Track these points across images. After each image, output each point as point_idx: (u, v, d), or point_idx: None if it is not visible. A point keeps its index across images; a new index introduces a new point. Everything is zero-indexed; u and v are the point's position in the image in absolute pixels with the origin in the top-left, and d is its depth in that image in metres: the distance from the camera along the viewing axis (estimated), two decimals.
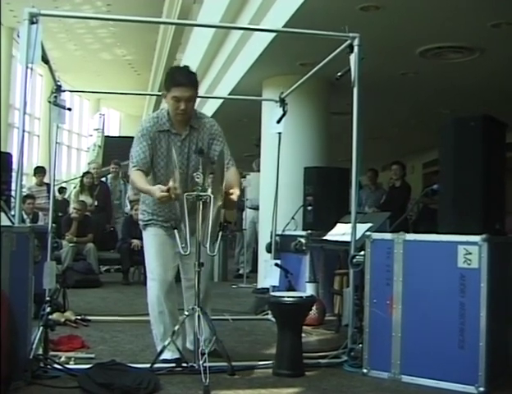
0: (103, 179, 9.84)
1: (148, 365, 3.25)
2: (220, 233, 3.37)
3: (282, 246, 5.64)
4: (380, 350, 3.39)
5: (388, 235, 3.47)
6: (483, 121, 3.36)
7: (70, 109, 4.86)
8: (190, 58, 12.05)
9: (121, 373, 3.08)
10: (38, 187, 9.58)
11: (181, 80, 3.50)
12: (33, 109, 23.10)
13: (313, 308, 4.58)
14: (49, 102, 4.55)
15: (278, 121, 5.21)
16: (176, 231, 3.29)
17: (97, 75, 26.45)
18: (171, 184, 3.20)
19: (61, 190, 12.37)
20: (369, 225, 4.14)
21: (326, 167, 6.78)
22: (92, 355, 3.68)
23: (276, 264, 5.10)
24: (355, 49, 3.80)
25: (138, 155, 3.50)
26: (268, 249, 5.58)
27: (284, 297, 3.48)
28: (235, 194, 3.32)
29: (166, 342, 3.31)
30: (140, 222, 3.72)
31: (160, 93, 4.00)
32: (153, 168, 3.59)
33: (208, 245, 3.25)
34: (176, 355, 3.35)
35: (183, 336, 3.63)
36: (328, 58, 4.31)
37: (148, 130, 3.54)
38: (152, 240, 3.62)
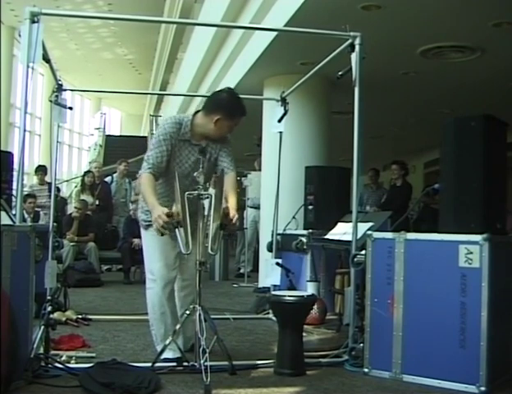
0: (109, 177, 9.86)
1: (150, 364, 3.26)
2: (221, 232, 3.37)
3: (283, 245, 5.64)
4: (381, 349, 3.39)
5: (389, 235, 3.47)
6: (484, 120, 3.36)
7: (71, 108, 4.86)
8: (191, 58, 12.07)
9: (122, 372, 3.08)
10: (40, 186, 9.58)
11: (245, 110, 3.56)
12: (34, 108, 23.13)
13: (314, 307, 4.59)
14: (50, 101, 4.55)
15: (279, 121, 5.21)
16: (176, 230, 3.29)
17: (98, 74, 26.48)
18: (174, 209, 3.24)
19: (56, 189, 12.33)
20: (370, 224, 4.14)
21: (327, 167, 6.79)
22: (93, 355, 3.68)
23: (277, 263, 5.10)
24: (356, 48, 3.80)
25: (156, 158, 3.47)
26: (269, 249, 5.58)
27: (285, 296, 3.48)
28: (234, 218, 3.33)
29: (168, 342, 3.31)
30: (142, 222, 3.70)
31: (161, 93, 4.01)
32: (167, 174, 3.55)
33: (209, 244, 3.26)
34: (178, 355, 3.36)
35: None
36: (329, 57, 4.31)
37: (171, 136, 3.51)
38: (155, 241, 3.57)
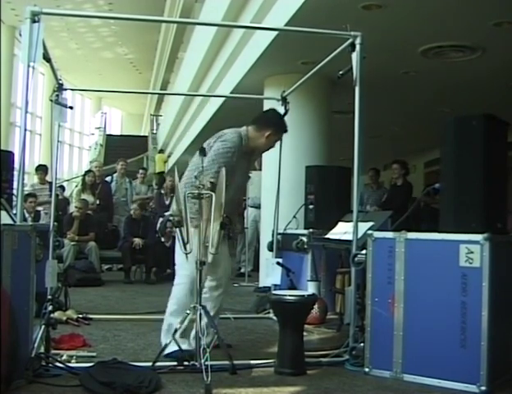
0: (109, 177, 9.88)
1: (150, 364, 3.26)
2: (222, 232, 3.37)
3: (284, 245, 5.64)
4: (382, 348, 3.39)
5: (390, 234, 3.48)
6: (485, 119, 3.36)
7: (71, 108, 4.86)
8: (192, 57, 12.06)
9: (122, 371, 3.08)
10: (41, 185, 9.59)
11: (287, 127, 4.10)
12: (34, 108, 23.16)
13: (315, 306, 4.58)
14: (51, 100, 4.54)
15: None
16: (177, 230, 3.28)
17: (98, 73, 26.52)
18: (175, 207, 3.51)
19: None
20: (371, 223, 4.14)
21: (328, 166, 6.78)
22: (93, 354, 3.68)
23: (278, 263, 5.10)
24: (357, 48, 3.80)
25: (221, 167, 3.58)
26: (270, 248, 5.57)
27: (286, 296, 3.48)
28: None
29: (168, 340, 3.33)
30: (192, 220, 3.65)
31: (162, 92, 4.04)
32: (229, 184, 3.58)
33: (210, 244, 3.27)
34: (189, 348, 3.40)
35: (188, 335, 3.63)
36: (330, 57, 4.30)
37: (238, 149, 3.78)
38: (197, 238, 3.58)
